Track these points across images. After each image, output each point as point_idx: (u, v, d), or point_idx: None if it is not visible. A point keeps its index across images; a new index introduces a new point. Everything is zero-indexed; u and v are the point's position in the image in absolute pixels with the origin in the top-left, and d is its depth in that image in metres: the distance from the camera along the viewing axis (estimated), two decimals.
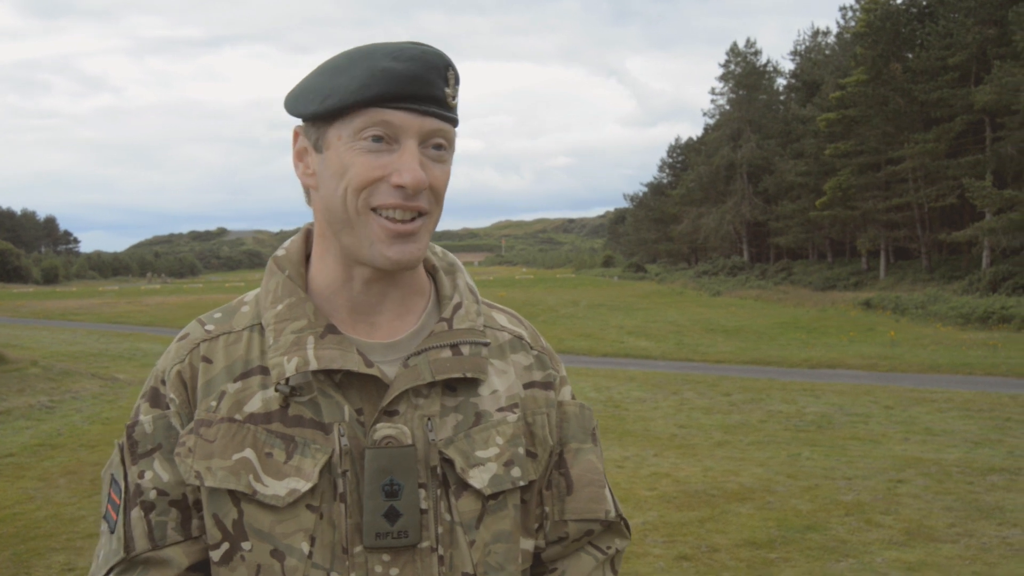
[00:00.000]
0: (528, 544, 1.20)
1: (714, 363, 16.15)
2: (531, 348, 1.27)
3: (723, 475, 7.19)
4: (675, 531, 5.70)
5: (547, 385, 1.25)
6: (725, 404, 10.97)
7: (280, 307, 1.14)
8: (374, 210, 1.07)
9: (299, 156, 1.15)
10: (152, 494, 1.11)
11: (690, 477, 7.13)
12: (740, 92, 53.31)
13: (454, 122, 1.11)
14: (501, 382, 1.20)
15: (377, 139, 1.06)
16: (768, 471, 7.31)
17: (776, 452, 8.09)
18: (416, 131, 1.07)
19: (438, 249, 1.28)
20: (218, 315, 1.20)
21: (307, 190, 1.16)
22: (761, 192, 49.79)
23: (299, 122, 1.15)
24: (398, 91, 1.05)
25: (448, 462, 1.12)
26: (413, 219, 1.09)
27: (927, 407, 10.33)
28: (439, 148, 1.10)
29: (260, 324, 1.16)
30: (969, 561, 5.08)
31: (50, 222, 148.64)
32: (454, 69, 1.11)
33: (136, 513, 1.11)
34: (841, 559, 5.16)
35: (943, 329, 20.52)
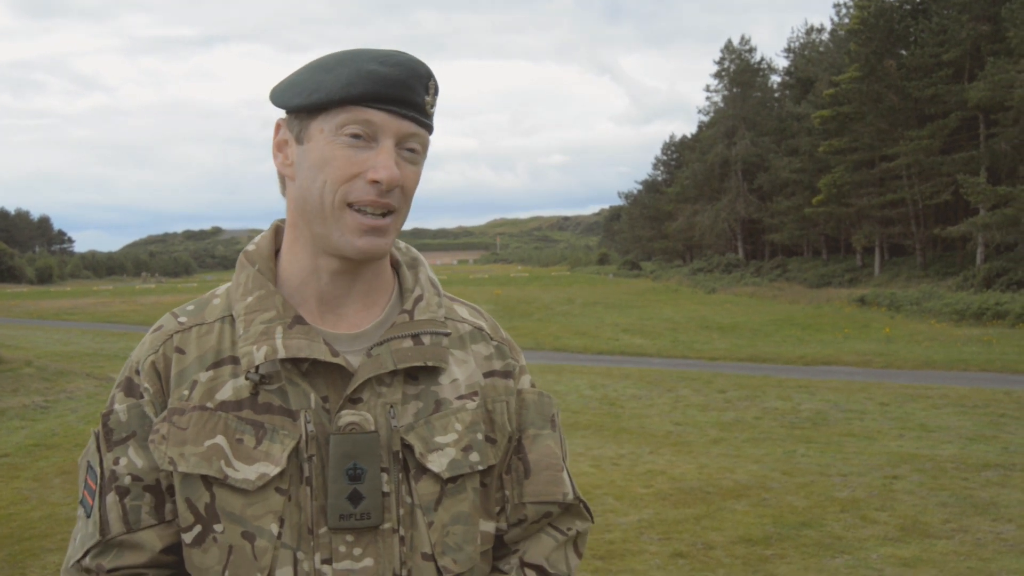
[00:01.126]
0: (489, 526, 1.25)
1: (709, 360, 16.17)
2: (491, 339, 1.32)
3: (719, 472, 7.20)
4: (671, 528, 5.71)
5: (507, 374, 1.30)
6: (720, 401, 10.99)
7: (250, 299, 1.19)
8: (349, 205, 1.13)
9: (279, 147, 1.20)
10: (127, 480, 1.17)
11: (686, 474, 7.14)
12: (735, 89, 53.32)
13: (430, 129, 1.18)
14: (461, 371, 1.25)
15: (357, 136, 1.12)
16: (764, 468, 7.32)
17: (772, 449, 8.10)
18: (394, 132, 1.13)
19: (402, 245, 1.34)
20: (191, 308, 1.25)
21: (283, 181, 1.22)
22: (756, 189, 49.83)
23: (280, 117, 1.20)
24: (381, 93, 1.11)
25: (408, 447, 1.17)
26: (384, 215, 1.14)
27: (922, 403, 10.35)
28: (413, 151, 1.16)
29: (231, 316, 1.21)
30: (964, 557, 5.09)
31: (44, 222, 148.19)
32: (435, 80, 1.18)
33: (111, 498, 1.16)
34: (837, 555, 5.17)
35: (938, 325, 20.57)
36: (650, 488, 6.73)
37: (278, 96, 1.18)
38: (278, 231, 1.28)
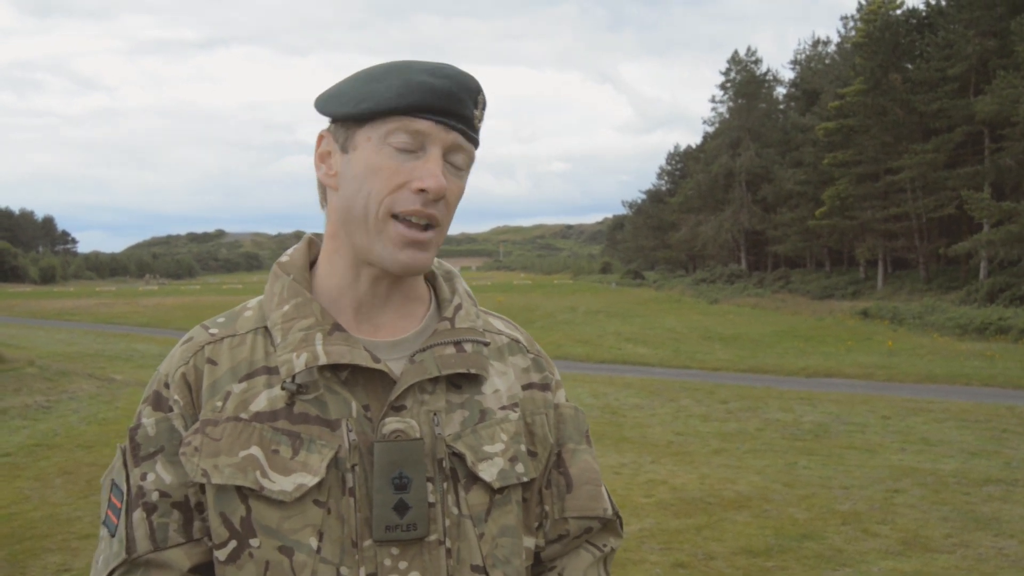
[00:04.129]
0: (529, 542, 1.23)
1: (711, 371, 16.16)
2: (528, 351, 1.31)
3: (720, 483, 7.19)
4: (672, 538, 5.70)
5: (544, 387, 1.29)
6: (722, 412, 10.98)
7: (287, 307, 1.17)
8: (394, 216, 1.12)
9: (322, 158, 1.18)
10: (154, 496, 1.12)
11: (687, 484, 7.13)
12: (740, 100, 53.41)
13: (476, 143, 1.17)
14: (502, 382, 1.23)
15: (404, 144, 1.10)
16: (765, 479, 7.31)
17: (773, 460, 8.09)
18: (442, 142, 1.12)
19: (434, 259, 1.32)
20: (221, 319, 1.22)
21: (322, 192, 1.21)
22: (760, 200, 49.86)
23: (324, 128, 1.19)
24: (432, 103, 1.10)
25: (458, 456, 1.14)
26: (427, 227, 1.13)
27: (924, 417, 10.34)
28: (459, 164, 1.15)
29: (264, 327, 1.18)
30: (965, 572, 5.08)
31: (48, 222, 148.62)
32: (483, 95, 1.17)
33: (138, 515, 1.12)
34: (837, 568, 5.16)
35: (940, 339, 20.54)
36: (651, 498, 6.72)
37: (324, 105, 1.17)
38: (311, 244, 1.26)
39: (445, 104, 1.11)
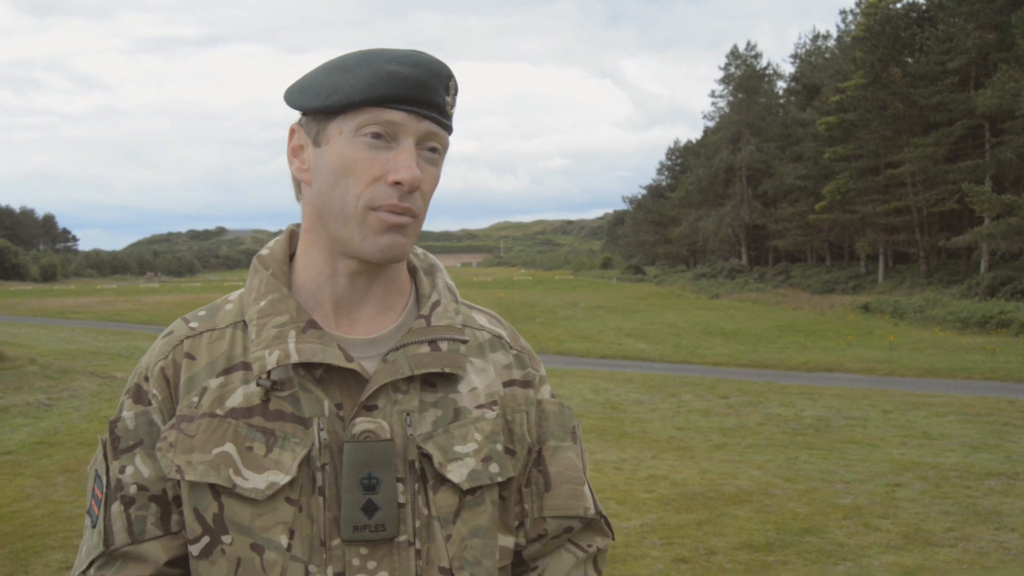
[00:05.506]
0: (507, 541, 1.21)
1: (712, 366, 16.17)
2: (510, 347, 1.29)
3: (721, 478, 7.19)
4: (673, 533, 5.71)
5: (526, 383, 1.27)
6: (723, 407, 10.98)
7: (263, 303, 1.16)
8: (372, 209, 1.11)
9: (294, 152, 1.17)
10: (132, 489, 1.13)
11: (688, 479, 7.14)
12: (740, 95, 53.32)
13: (449, 129, 1.16)
14: (480, 380, 1.21)
15: (377, 136, 1.09)
16: (766, 474, 7.32)
17: (774, 455, 8.09)
18: (415, 132, 1.10)
19: (419, 251, 1.30)
20: (202, 313, 1.22)
21: (297, 186, 1.19)
22: (760, 195, 49.80)
23: (294, 122, 1.18)
24: (403, 94, 1.09)
25: (426, 457, 1.13)
26: (403, 214, 1.12)
27: (925, 411, 10.34)
28: (433, 151, 1.14)
29: (243, 321, 1.17)
30: (966, 565, 5.08)
31: (48, 220, 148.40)
32: (455, 80, 1.15)
33: (116, 508, 1.13)
34: (839, 562, 5.17)
35: (941, 333, 20.54)
36: (652, 493, 6.73)
37: (294, 98, 1.15)
38: (292, 235, 1.25)
39: (416, 93, 1.09)
